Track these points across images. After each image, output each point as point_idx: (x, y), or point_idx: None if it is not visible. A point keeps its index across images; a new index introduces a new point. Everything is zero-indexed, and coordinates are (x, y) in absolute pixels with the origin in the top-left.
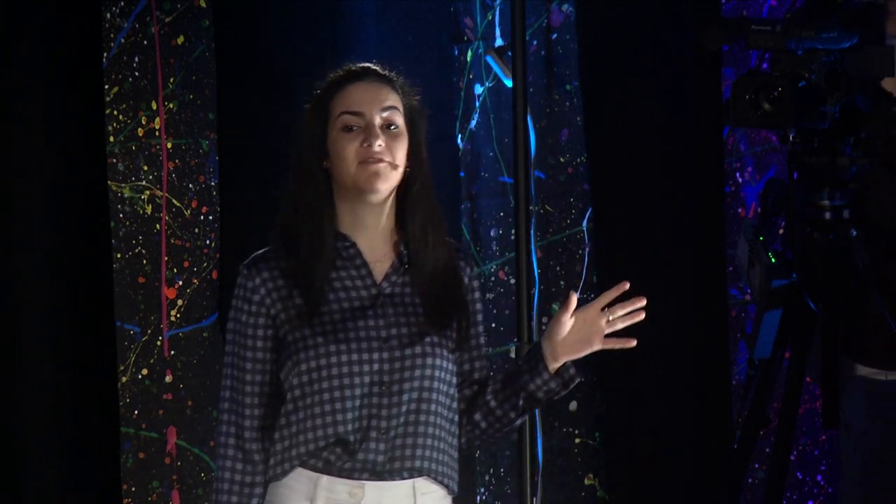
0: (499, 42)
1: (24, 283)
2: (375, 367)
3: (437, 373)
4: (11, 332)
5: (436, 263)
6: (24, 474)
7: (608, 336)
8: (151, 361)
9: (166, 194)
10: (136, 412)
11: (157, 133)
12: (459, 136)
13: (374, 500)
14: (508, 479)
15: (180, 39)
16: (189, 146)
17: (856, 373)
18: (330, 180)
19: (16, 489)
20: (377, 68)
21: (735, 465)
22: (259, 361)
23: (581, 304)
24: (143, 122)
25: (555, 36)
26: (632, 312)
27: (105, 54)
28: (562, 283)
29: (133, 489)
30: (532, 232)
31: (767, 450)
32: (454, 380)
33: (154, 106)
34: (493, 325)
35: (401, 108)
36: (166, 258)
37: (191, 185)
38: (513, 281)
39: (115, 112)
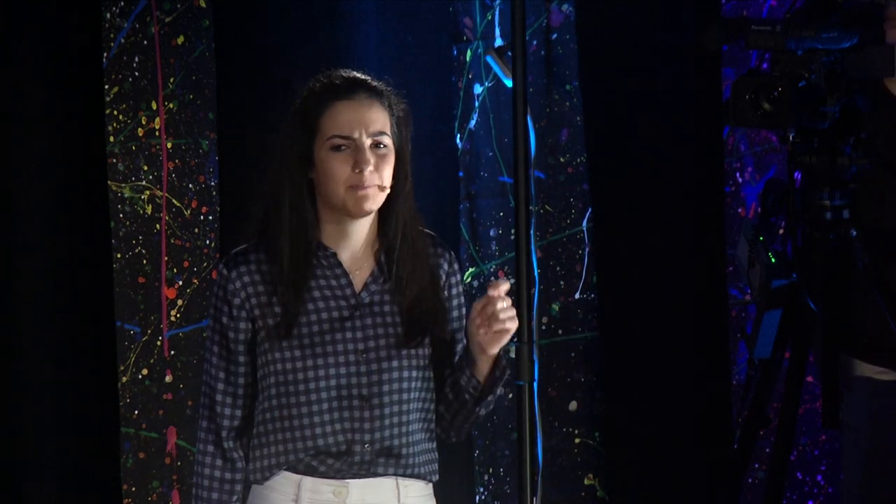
0: (498, 42)
1: (24, 283)
2: (353, 380)
3: (414, 384)
4: (11, 332)
5: (413, 275)
6: (24, 474)
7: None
8: (151, 361)
9: (166, 194)
10: (136, 412)
11: (157, 133)
12: (459, 135)
13: (359, 497)
14: (508, 479)
15: (180, 39)
16: (189, 146)
17: (856, 372)
18: (314, 190)
19: (16, 489)
20: (367, 80)
21: (735, 465)
22: (241, 364)
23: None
24: (143, 122)
25: (555, 36)
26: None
27: (105, 54)
28: (562, 283)
29: (133, 489)
30: (532, 232)
31: (767, 450)
32: (432, 384)
33: (154, 106)
34: None
35: (389, 125)
36: (166, 258)
37: (191, 185)
38: (512, 281)
39: (115, 112)
